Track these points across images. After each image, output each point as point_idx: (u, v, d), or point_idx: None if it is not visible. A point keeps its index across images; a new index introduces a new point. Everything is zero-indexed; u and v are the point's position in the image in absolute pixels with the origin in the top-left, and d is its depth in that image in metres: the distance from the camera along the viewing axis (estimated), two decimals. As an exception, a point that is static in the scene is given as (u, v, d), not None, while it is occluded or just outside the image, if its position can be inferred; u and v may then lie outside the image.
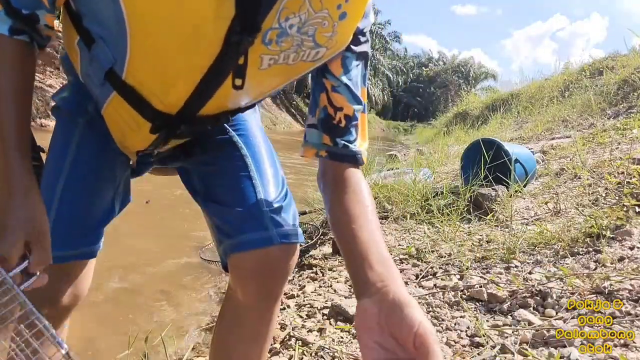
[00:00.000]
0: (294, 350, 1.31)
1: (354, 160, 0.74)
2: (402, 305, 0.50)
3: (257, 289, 0.81)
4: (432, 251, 2.04)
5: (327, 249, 2.37)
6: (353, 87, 0.74)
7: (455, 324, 1.36)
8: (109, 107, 0.74)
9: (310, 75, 0.76)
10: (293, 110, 26.99)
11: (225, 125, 0.88)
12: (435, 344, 0.48)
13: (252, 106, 0.84)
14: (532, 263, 1.75)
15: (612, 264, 1.57)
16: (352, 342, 1.33)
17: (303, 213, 3.03)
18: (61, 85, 0.92)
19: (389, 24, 36.72)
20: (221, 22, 0.58)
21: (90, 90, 0.77)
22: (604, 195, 2.35)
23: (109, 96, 0.72)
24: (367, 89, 0.78)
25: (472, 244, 2.09)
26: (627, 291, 1.34)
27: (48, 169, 0.81)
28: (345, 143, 0.74)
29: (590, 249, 1.74)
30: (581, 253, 1.74)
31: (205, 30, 0.59)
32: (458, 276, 1.74)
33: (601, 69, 7.14)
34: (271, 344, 1.38)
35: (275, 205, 0.82)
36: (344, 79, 0.73)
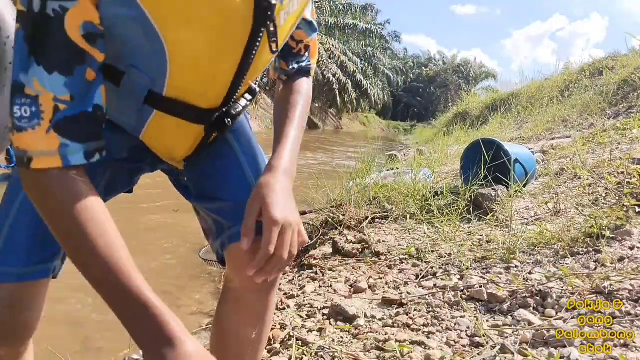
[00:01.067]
0: (294, 350, 1.31)
1: (306, 74, 0.92)
2: (258, 185, 0.73)
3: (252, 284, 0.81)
4: (432, 251, 2.04)
5: (327, 249, 2.37)
6: (310, 18, 0.84)
7: (455, 324, 1.36)
8: (150, 128, 0.75)
9: None
10: (293, 110, 26.92)
11: (230, 137, 0.90)
12: (250, 215, 0.70)
13: None
14: (532, 263, 1.75)
15: (612, 264, 1.57)
16: (352, 342, 1.33)
17: (303, 213, 3.03)
18: None
19: (388, 23, 36.73)
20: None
21: (119, 123, 0.77)
22: (604, 195, 2.35)
23: (148, 118, 0.73)
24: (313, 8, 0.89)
25: (472, 244, 2.09)
26: (627, 291, 1.34)
27: (13, 178, 0.78)
28: (299, 65, 0.90)
29: (590, 249, 1.74)
30: (581, 253, 1.74)
31: (237, 13, 0.62)
32: (458, 276, 1.74)
33: (601, 69, 7.14)
34: (271, 344, 1.38)
35: None
36: (307, 14, 0.83)
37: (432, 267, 1.86)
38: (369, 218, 2.65)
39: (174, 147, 0.81)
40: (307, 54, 0.90)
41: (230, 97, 0.75)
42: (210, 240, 0.90)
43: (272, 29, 0.66)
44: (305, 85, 0.91)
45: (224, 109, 0.76)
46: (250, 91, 0.83)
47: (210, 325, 1.70)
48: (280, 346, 1.37)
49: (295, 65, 0.89)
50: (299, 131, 0.84)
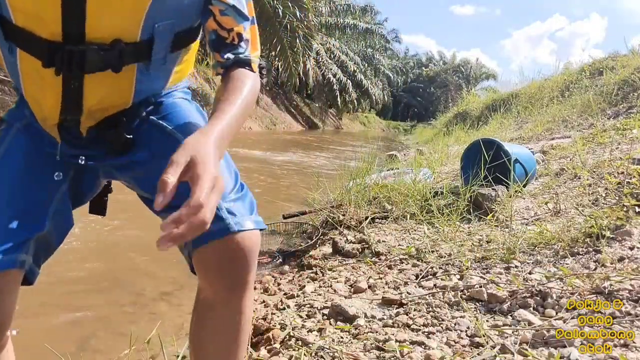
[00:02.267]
0: (294, 350, 1.31)
1: (245, 64, 0.85)
2: (185, 143, 0.64)
3: (222, 280, 0.80)
4: (432, 251, 2.04)
5: (327, 249, 2.37)
6: (239, 6, 0.82)
7: (455, 324, 1.36)
8: (23, 79, 0.78)
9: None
10: (293, 110, 27.02)
11: (165, 124, 0.87)
12: (171, 168, 0.59)
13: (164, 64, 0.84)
14: (532, 263, 1.75)
15: (612, 264, 1.57)
16: (352, 342, 1.33)
17: (303, 213, 3.03)
18: None
19: (386, 21, 36.76)
20: None
21: (15, 81, 0.80)
22: (604, 195, 2.35)
23: (17, 63, 0.76)
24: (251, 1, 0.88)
25: (472, 244, 2.09)
26: (627, 291, 1.34)
27: None
28: (235, 56, 0.84)
29: (590, 249, 1.74)
30: (581, 253, 1.74)
31: None
32: (458, 276, 1.74)
33: (601, 69, 7.14)
34: (271, 344, 1.38)
35: (231, 196, 0.81)
36: (231, 1, 0.81)
37: (432, 267, 1.86)
38: (369, 218, 2.65)
39: (40, 101, 0.80)
40: (242, 44, 0.85)
41: (74, 32, 0.72)
42: (180, 249, 0.86)
43: None
44: (246, 76, 0.84)
45: (72, 47, 0.73)
46: (121, 53, 0.76)
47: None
48: (280, 346, 1.37)
49: (231, 56, 0.84)
50: (238, 112, 0.76)
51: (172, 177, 0.58)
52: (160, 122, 0.88)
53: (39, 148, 0.83)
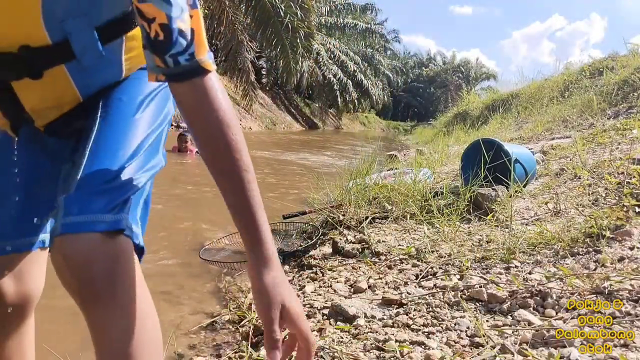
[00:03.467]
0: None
1: (192, 73, 0.66)
2: (267, 287, 0.70)
3: (69, 290, 0.68)
4: (432, 251, 2.04)
5: (327, 249, 2.36)
6: None
7: (455, 324, 1.36)
8: None
9: None
10: (293, 110, 27.03)
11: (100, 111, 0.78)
12: (272, 324, 0.67)
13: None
14: (532, 263, 1.75)
15: (612, 264, 1.57)
16: (352, 342, 1.32)
17: (303, 213, 3.03)
18: None
19: (386, 21, 36.85)
20: None
21: None
22: (604, 195, 2.35)
23: None
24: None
25: (472, 244, 2.09)
26: (627, 291, 1.34)
27: None
28: (175, 59, 0.65)
29: (590, 249, 1.74)
30: (581, 253, 1.74)
31: None
32: (458, 276, 1.74)
33: (601, 69, 7.14)
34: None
35: (85, 187, 0.66)
36: None
37: (432, 267, 1.86)
38: (369, 218, 2.65)
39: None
40: (180, 39, 0.65)
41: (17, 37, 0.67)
42: None
43: None
44: (211, 102, 0.67)
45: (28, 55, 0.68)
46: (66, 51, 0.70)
47: (210, 325, 1.70)
48: (280, 346, 1.37)
49: (171, 60, 0.65)
50: (256, 186, 0.70)
51: (278, 334, 0.67)
52: (97, 121, 0.77)
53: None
